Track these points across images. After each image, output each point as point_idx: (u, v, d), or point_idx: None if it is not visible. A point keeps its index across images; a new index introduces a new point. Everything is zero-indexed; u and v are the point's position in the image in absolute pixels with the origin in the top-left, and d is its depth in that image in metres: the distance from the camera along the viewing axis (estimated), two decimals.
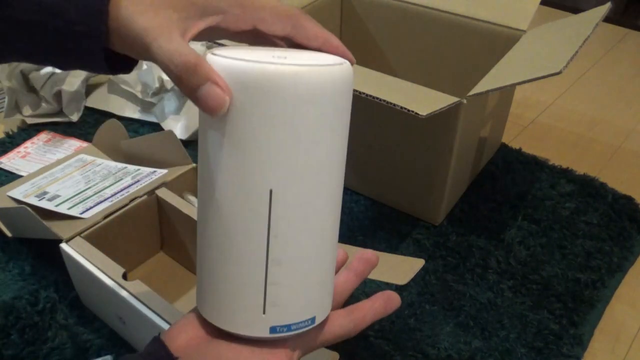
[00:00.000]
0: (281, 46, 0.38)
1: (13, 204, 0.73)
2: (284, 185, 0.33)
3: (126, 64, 0.39)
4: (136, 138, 0.79)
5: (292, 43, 0.37)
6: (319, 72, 0.32)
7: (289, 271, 0.35)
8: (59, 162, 0.81)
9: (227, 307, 0.36)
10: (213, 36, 0.38)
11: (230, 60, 0.32)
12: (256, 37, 0.38)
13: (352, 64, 0.36)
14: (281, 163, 0.32)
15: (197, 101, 0.32)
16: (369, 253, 0.44)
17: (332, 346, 0.57)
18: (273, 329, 0.36)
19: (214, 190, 0.34)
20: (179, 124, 1.00)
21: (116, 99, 1.08)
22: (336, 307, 0.42)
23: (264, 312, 0.35)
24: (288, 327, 0.36)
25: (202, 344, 0.37)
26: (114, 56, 0.37)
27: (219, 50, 0.33)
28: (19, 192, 0.75)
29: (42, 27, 0.35)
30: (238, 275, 0.35)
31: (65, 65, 0.38)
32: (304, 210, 0.34)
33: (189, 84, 0.32)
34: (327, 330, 0.40)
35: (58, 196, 0.72)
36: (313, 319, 0.37)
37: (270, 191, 0.32)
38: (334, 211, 0.36)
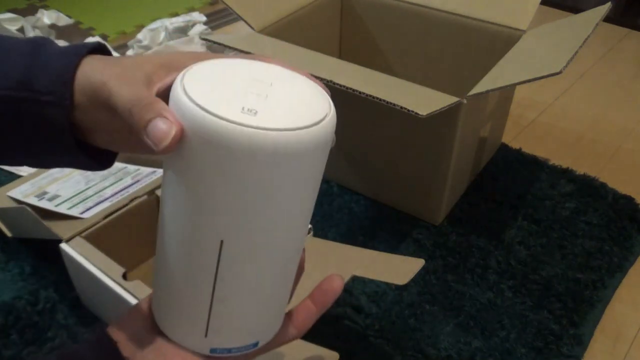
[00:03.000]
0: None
1: (13, 204, 0.73)
2: (236, 238, 0.32)
3: (102, 159, 0.39)
4: None
5: None
6: (286, 138, 0.29)
7: (233, 307, 0.35)
8: None
9: (174, 323, 0.36)
10: None
11: (193, 107, 0.29)
12: None
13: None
14: (235, 219, 0.31)
15: (145, 135, 0.31)
16: (333, 282, 0.40)
17: (332, 346, 0.57)
18: (213, 350, 0.36)
19: (169, 229, 0.33)
20: None
21: None
22: (297, 337, 0.41)
23: (205, 336, 0.36)
24: (228, 350, 0.37)
25: (149, 335, 0.38)
26: (89, 149, 0.37)
27: (188, 80, 0.31)
28: (19, 192, 0.75)
29: (7, 101, 0.34)
30: (184, 304, 0.35)
31: (32, 147, 0.37)
32: (253, 259, 0.33)
33: (141, 120, 0.31)
34: (272, 341, 0.40)
35: (58, 196, 0.72)
36: (256, 344, 0.38)
37: (221, 242, 0.32)
38: (288, 253, 0.35)
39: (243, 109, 0.29)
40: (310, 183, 0.33)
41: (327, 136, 0.31)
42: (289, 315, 0.40)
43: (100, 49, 0.37)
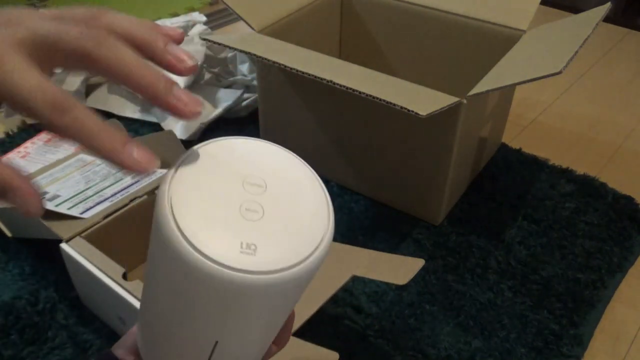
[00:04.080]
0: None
1: None
2: (230, 341, 0.32)
3: None
4: (136, 138, 0.79)
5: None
6: (287, 276, 0.27)
7: None
8: (59, 162, 0.81)
9: None
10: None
11: (191, 252, 0.26)
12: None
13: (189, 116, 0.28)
14: (229, 333, 0.31)
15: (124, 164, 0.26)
16: None
17: (333, 346, 0.57)
18: None
19: (159, 318, 0.33)
20: (179, 124, 1.00)
21: (116, 99, 1.08)
22: (277, 352, 0.41)
23: None
24: None
25: None
26: None
27: (177, 205, 0.27)
28: None
29: None
30: None
31: None
32: (243, 349, 0.34)
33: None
34: None
35: (58, 196, 0.72)
36: None
37: (216, 342, 0.32)
38: (272, 337, 0.36)
39: (242, 245, 0.27)
40: (300, 295, 0.32)
41: (324, 258, 0.29)
42: None
43: None
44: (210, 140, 0.31)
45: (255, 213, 0.28)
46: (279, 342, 0.39)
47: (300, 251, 0.28)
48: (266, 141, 0.32)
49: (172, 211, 0.27)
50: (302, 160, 0.32)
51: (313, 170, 0.32)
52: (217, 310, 0.29)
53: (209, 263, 0.26)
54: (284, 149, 0.32)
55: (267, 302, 0.29)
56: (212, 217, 0.28)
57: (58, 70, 0.28)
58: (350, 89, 0.69)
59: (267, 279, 0.27)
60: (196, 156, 0.30)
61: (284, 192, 0.30)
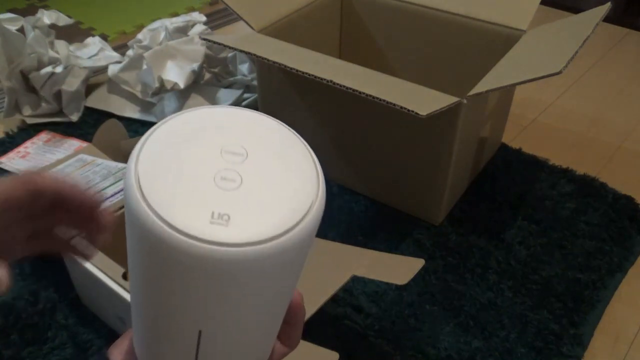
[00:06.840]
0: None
1: None
2: (215, 330, 0.29)
3: None
4: (136, 138, 0.79)
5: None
6: (269, 250, 0.25)
7: None
8: (59, 162, 0.81)
9: None
10: None
11: (155, 222, 0.24)
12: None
13: None
14: (213, 319, 0.28)
15: None
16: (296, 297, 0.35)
17: (332, 346, 0.57)
18: None
19: (144, 307, 0.31)
20: None
21: (116, 99, 1.08)
22: (287, 353, 0.37)
23: None
24: None
25: None
26: None
27: (144, 172, 0.25)
28: None
29: None
30: None
31: None
32: (233, 343, 0.31)
33: None
34: None
35: None
36: None
37: (200, 331, 0.29)
38: (269, 331, 0.33)
39: (213, 214, 0.24)
40: (293, 278, 0.29)
41: (314, 229, 0.26)
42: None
43: None
44: (190, 109, 0.29)
45: (232, 182, 0.26)
46: (289, 342, 0.35)
47: (282, 222, 0.25)
48: (255, 111, 0.30)
49: (139, 181, 0.25)
50: (295, 132, 0.29)
51: (305, 143, 0.29)
52: (191, 290, 0.26)
53: (174, 234, 0.24)
54: (275, 119, 0.29)
55: (247, 281, 0.26)
56: (182, 187, 0.25)
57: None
58: (350, 89, 0.69)
59: (240, 252, 0.24)
60: (170, 124, 0.28)
61: (267, 162, 0.27)
